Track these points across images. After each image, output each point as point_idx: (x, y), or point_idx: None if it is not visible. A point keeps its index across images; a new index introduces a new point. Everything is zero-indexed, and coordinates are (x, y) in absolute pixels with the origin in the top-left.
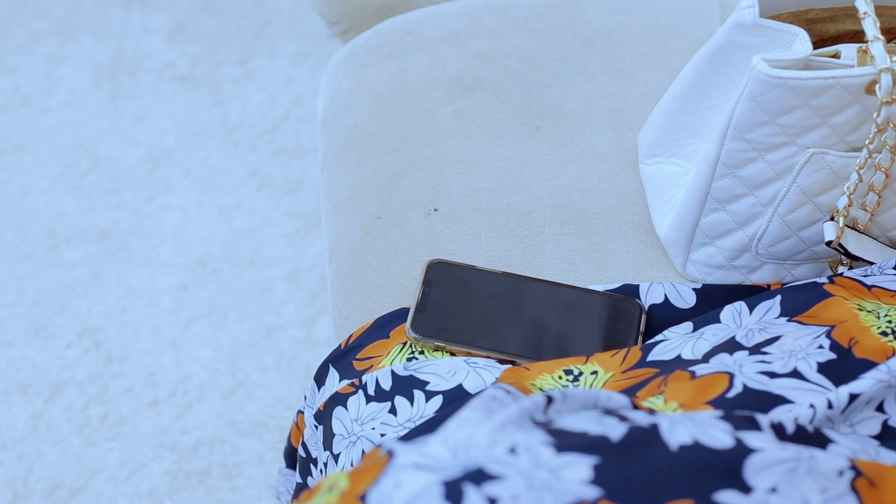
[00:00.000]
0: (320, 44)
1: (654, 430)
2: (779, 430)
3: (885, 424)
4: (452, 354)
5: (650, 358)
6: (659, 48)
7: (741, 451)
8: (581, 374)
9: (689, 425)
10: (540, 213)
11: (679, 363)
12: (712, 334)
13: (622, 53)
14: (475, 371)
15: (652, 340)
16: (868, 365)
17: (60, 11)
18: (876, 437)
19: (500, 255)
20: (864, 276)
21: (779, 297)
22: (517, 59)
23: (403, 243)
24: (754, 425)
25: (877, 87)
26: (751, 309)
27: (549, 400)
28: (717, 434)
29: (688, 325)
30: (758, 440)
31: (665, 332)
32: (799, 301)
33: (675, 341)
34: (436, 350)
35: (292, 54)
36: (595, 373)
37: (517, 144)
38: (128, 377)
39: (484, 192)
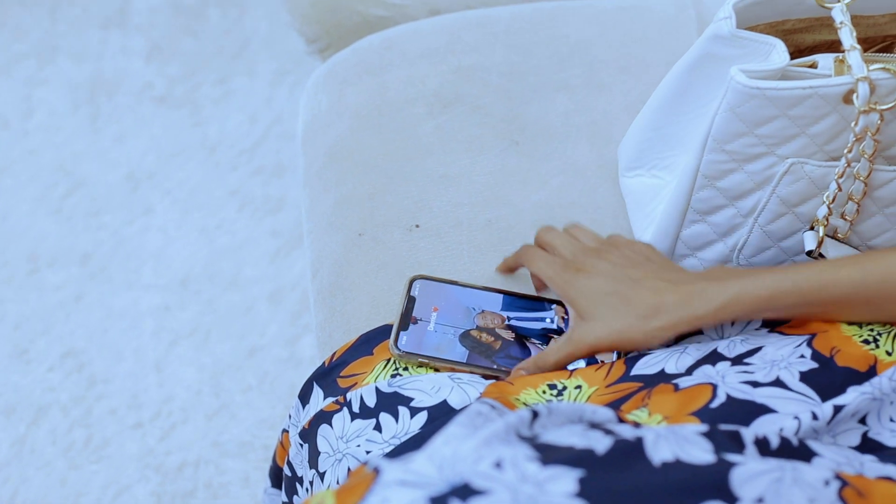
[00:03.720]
0: (299, 62)
1: (639, 443)
2: (763, 445)
3: (864, 436)
4: (436, 370)
5: (634, 372)
6: (637, 61)
7: (724, 464)
8: (565, 388)
9: (671, 441)
10: (521, 227)
11: (663, 377)
12: (695, 349)
13: (601, 67)
14: (459, 387)
15: (635, 354)
16: (850, 373)
17: (38, 34)
18: (856, 448)
19: (482, 270)
20: None
21: None
22: (497, 75)
23: (386, 260)
24: (737, 443)
25: (854, 96)
26: (732, 321)
27: (535, 415)
28: (698, 452)
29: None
30: (739, 457)
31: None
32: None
33: (659, 355)
34: (420, 366)
35: (271, 73)
36: (579, 387)
37: (498, 159)
38: (111, 399)
39: (465, 208)
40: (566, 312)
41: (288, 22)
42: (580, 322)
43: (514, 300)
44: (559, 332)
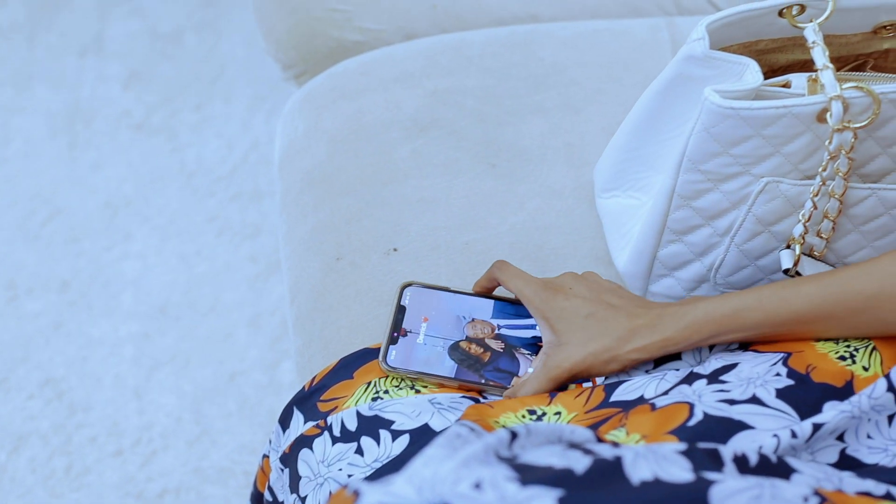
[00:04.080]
0: (276, 88)
1: (617, 462)
2: (741, 463)
3: (842, 452)
4: (423, 387)
5: (613, 398)
6: (612, 83)
7: (703, 483)
8: (545, 413)
9: (650, 460)
10: (499, 250)
11: (641, 402)
12: (674, 375)
13: (576, 90)
14: (440, 412)
15: (615, 380)
16: (827, 388)
17: (15, 61)
18: (834, 465)
19: None
20: None
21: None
22: (472, 98)
23: (364, 284)
24: (716, 461)
25: (828, 115)
26: (710, 347)
27: (514, 435)
28: (677, 471)
29: (648, 363)
30: (718, 475)
31: (630, 371)
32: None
33: (638, 381)
34: (411, 379)
35: (248, 99)
36: (558, 413)
37: (474, 182)
38: (91, 427)
39: (443, 231)
40: None
41: (264, 48)
42: (555, 346)
43: (506, 306)
44: None
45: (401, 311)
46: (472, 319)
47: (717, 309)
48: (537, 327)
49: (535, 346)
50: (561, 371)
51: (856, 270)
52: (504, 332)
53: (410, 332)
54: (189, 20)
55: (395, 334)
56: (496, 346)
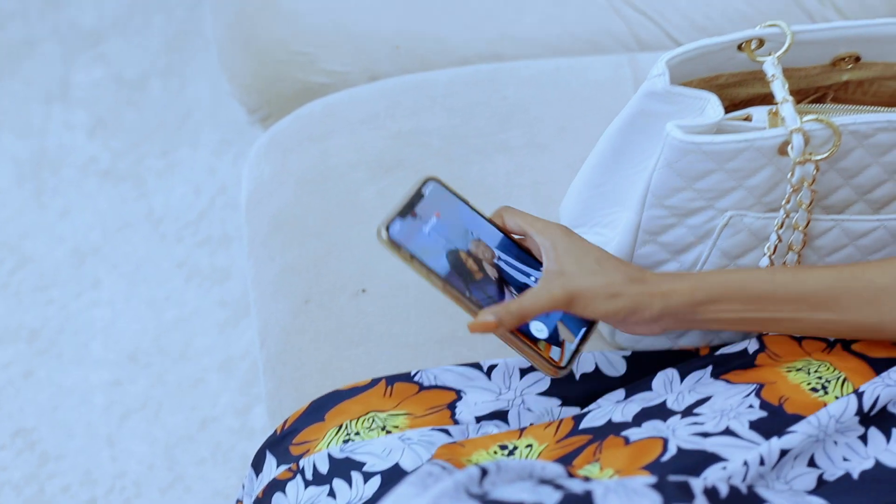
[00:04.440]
0: (242, 132)
1: (588, 497)
2: (712, 495)
3: (820, 479)
4: (393, 427)
5: (582, 426)
6: (576, 120)
7: None
8: (516, 448)
9: (620, 494)
10: None
11: (611, 427)
12: (641, 398)
13: (541, 127)
14: (410, 448)
15: (584, 410)
16: (800, 419)
17: None
18: (812, 492)
19: (430, 332)
20: None
21: (710, 369)
22: (437, 138)
23: (333, 325)
24: (687, 494)
25: (789, 147)
26: (682, 377)
27: (484, 472)
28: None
29: (620, 393)
30: None
31: (598, 400)
32: (728, 370)
33: (605, 408)
34: (400, 258)
35: (215, 143)
36: (530, 446)
37: None
38: (64, 476)
39: (411, 272)
40: None
41: (229, 92)
42: (557, 274)
43: (511, 245)
44: None
45: (418, 196)
46: (478, 238)
47: (727, 273)
48: (532, 278)
49: (524, 289)
50: (562, 292)
51: (872, 264)
52: (501, 264)
53: (419, 217)
54: (154, 66)
55: (405, 211)
56: (490, 272)
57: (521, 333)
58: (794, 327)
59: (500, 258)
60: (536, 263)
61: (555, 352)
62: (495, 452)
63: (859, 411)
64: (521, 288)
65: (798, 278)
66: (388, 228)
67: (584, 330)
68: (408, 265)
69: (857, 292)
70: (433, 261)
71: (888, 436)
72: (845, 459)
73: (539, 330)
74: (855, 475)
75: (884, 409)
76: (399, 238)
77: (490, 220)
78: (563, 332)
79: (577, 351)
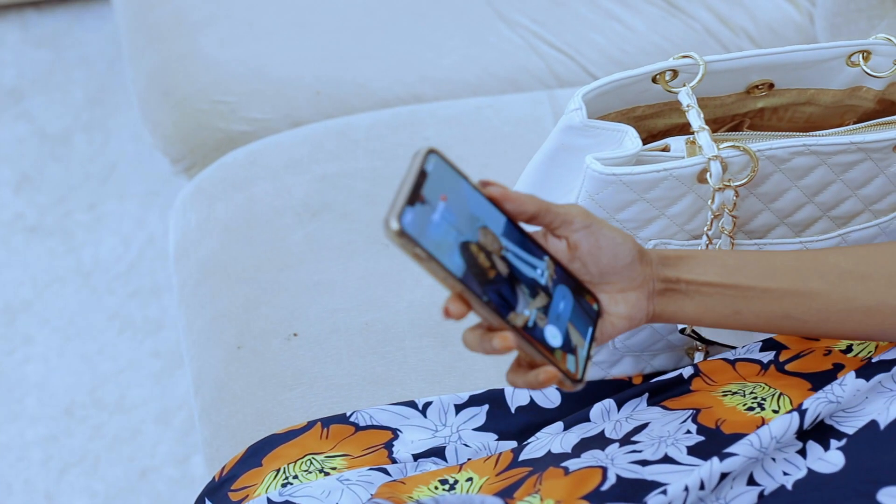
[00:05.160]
0: (168, 182)
1: None
2: None
3: (761, 495)
4: (330, 469)
5: (521, 457)
6: (497, 158)
7: None
8: (457, 482)
9: None
10: (398, 328)
11: (550, 459)
12: (579, 428)
13: (463, 166)
14: (349, 489)
15: (523, 443)
16: (739, 438)
17: None
18: None
19: (364, 373)
20: (729, 356)
21: (646, 396)
22: (361, 180)
23: (266, 370)
24: None
25: (707, 174)
26: (619, 406)
27: None
28: None
29: (559, 425)
30: None
31: (537, 433)
32: (664, 397)
33: (543, 440)
34: (415, 256)
35: (141, 195)
36: (470, 479)
37: (369, 263)
38: None
39: (341, 313)
40: (555, 271)
41: (152, 143)
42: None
43: (514, 231)
44: (546, 289)
45: (422, 175)
46: (485, 226)
47: (720, 252)
48: (538, 270)
49: (533, 288)
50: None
51: (833, 249)
52: (509, 256)
53: (428, 203)
54: (77, 121)
55: (413, 196)
56: (501, 267)
57: (539, 343)
58: (764, 309)
59: (506, 250)
60: (541, 253)
61: (570, 362)
62: (436, 488)
63: (799, 429)
64: (531, 284)
65: (762, 254)
66: (400, 218)
67: (590, 330)
68: (418, 264)
69: (822, 273)
70: (448, 259)
71: (826, 447)
72: (786, 474)
73: (553, 336)
74: (789, 486)
75: (821, 421)
76: (413, 231)
77: (491, 199)
78: (575, 336)
79: (588, 358)
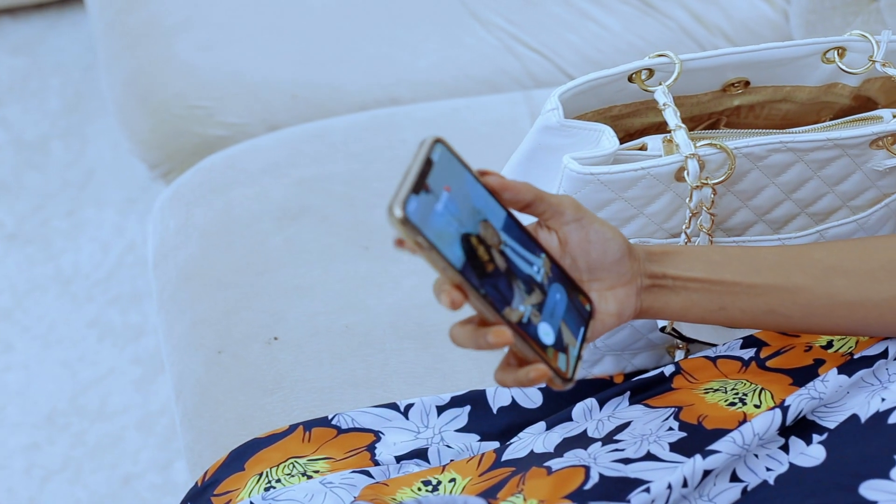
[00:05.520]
0: (146, 188)
1: None
2: None
3: (745, 491)
4: (313, 472)
5: (504, 458)
6: (475, 159)
7: None
8: (440, 483)
9: None
10: (379, 330)
11: (533, 458)
12: (561, 428)
13: None
14: (332, 492)
15: (507, 443)
16: (721, 433)
17: None
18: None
19: (345, 376)
20: (710, 353)
21: (627, 395)
22: (340, 184)
23: (247, 375)
24: None
25: (685, 173)
26: (601, 405)
27: None
28: None
29: (541, 425)
30: None
31: (520, 434)
32: (646, 396)
33: (526, 440)
34: (416, 244)
35: (119, 202)
36: (453, 480)
37: (349, 266)
38: None
39: (322, 317)
40: (551, 269)
41: (129, 149)
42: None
43: (514, 227)
44: (541, 286)
45: (428, 164)
46: (486, 220)
47: (706, 247)
48: (535, 267)
49: (529, 285)
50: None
51: (814, 245)
52: (507, 251)
53: (432, 192)
54: (54, 128)
55: (418, 184)
56: (499, 262)
57: (532, 339)
58: (749, 305)
59: (505, 245)
60: (537, 249)
61: (561, 360)
62: (419, 489)
63: (782, 425)
64: (527, 280)
65: (746, 249)
66: (404, 206)
67: (582, 330)
68: (419, 254)
69: (805, 269)
70: (448, 249)
71: (809, 441)
72: (769, 469)
73: (546, 334)
74: (771, 481)
75: (803, 417)
76: (416, 219)
77: (493, 192)
78: (567, 335)
79: (579, 357)
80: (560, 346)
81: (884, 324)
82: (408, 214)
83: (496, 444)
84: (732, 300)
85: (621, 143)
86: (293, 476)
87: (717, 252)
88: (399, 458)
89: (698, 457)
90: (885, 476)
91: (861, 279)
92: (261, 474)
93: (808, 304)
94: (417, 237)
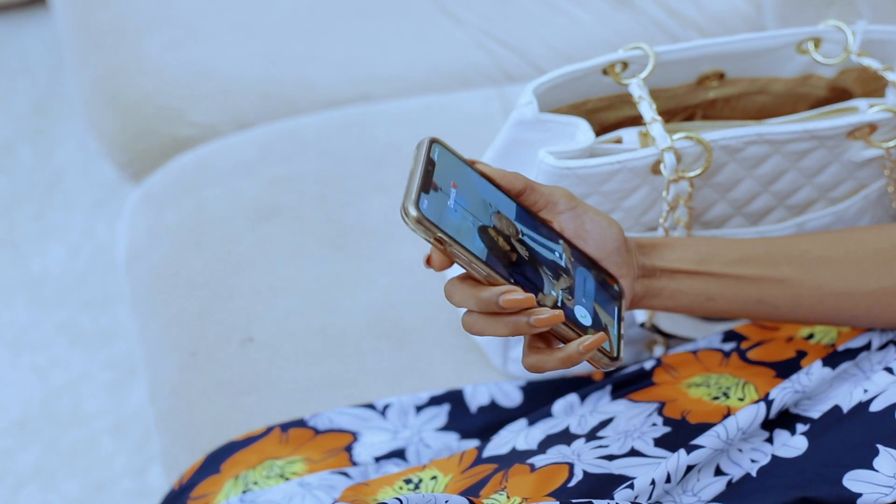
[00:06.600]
0: (116, 189)
1: None
2: None
3: (729, 483)
4: (292, 474)
5: (486, 454)
6: None
7: None
8: (421, 480)
9: None
10: (355, 330)
11: (515, 455)
12: (544, 423)
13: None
14: (311, 493)
15: (488, 439)
16: (705, 427)
17: None
18: (723, 494)
19: (321, 376)
20: (691, 347)
21: (609, 388)
22: (312, 182)
23: (222, 377)
24: None
25: (662, 166)
26: (582, 400)
27: None
28: None
29: (522, 422)
30: None
31: (501, 431)
32: (628, 391)
33: (507, 436)
34: (435, 241)
35: (89, 204)
36: (434, 478)
37: (323, 265)
38: None
39: (296, 317)
40: (572, 254)
41: (98, 151)
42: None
43: (526, 216)
44: (567, 271)
45: (430, 163)
46: (498, 212)
47: (694, 239)
48: (556, 253)
49: (555, 270)
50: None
51: (802, 236)
52: (527, 240)
53: (441, 190)
54: (20, 131)
55: (426, 183)
56: (521, 251)
57: (571, 322)
58: (738, 296)
59: (522, 234)
60: (554, 235)
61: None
62: (400, 488)
63: (766, 418)
64: (552, 266)
65: (733, 241)
66: (417, 205)
67: (616, 310)
68: (439, 251)
69: (792, 260)
70: (470, 243)
71: (793, 432)
72: (753, 461)
73: (583, 316)
74: (754, 473)
75: (786, 410)
76: (432, 216)
77: (500, 187)
78: (603, 316)
79: (620, 336)
80: (599, 326)
81: (871, 315)
82: (423, 212)
83: (476, 443)
84: (721, 291)
85: (597, 137)
86: (271, 478)
87: (706, 244)
88: (378, 459)
89: (682, 452)
90: (869, 466)
91: (848, 269)
92: (238, 477)
93: (796, 295)
94: (438, 233)
